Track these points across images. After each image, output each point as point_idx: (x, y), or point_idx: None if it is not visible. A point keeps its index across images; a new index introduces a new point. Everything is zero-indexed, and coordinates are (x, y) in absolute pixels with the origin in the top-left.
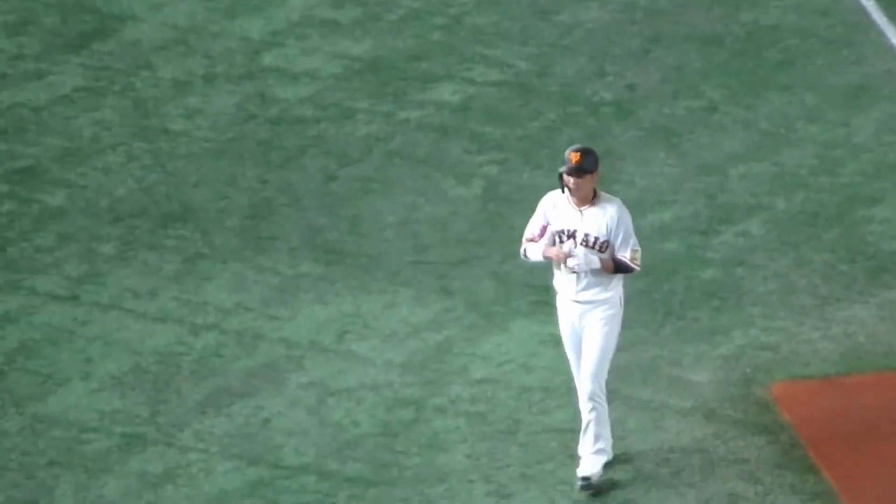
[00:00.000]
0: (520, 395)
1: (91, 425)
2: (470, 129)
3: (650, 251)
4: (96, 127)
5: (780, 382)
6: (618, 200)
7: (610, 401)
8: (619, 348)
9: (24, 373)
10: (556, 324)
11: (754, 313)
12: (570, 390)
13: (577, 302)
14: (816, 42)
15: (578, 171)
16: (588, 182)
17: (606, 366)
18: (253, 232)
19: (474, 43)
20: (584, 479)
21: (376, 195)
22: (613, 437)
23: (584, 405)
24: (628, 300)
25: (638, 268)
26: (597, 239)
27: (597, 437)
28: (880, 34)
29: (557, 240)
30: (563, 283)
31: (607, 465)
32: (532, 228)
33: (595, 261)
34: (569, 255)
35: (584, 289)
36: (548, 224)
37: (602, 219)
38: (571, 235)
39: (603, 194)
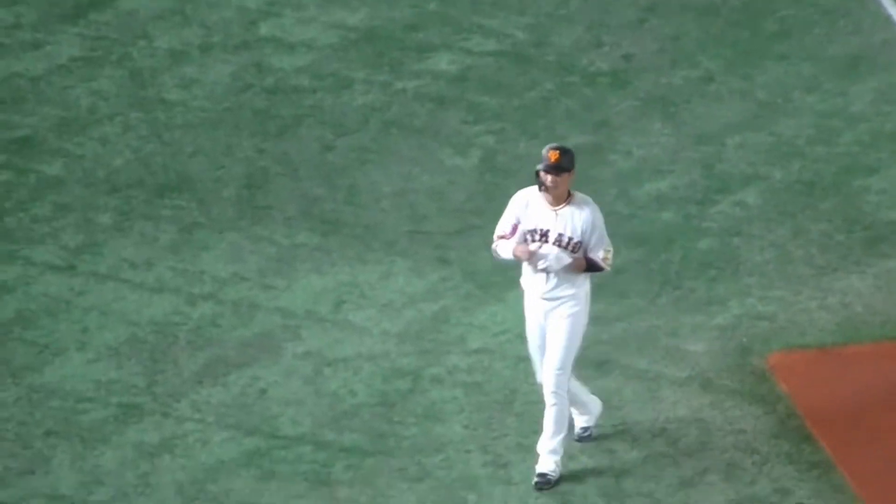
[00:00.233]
0: (516, 364)
1: (88, 395)
2: (467, 99)
3: (647, 221)
4: (93, 97)
5: (777, 352)
6: (591, 201)
7: (607, 370)
8: (616, 318)
9: (20, 343)
10: None
11: (751, 283)
12: None
13: (545, 299)
14: (814, 12)
15: (556, 169)
16: (565, 181)
17: (571, 361)
18: (249, 202)
19: (471, 13)
20: (541, 475)
21: (373, 165)
22: (610, 406)
23: (547, 399)
24: (624, 270)
25: (609, 268)
26: (570, 239)
27: (555, 434)
28: (878, 4)
29: (529, 238)
30: (532, 282)
31: (604, 441)
32: (504, 226)
33: (565, 259)
34: (536, 253)
35: (553, 287)
36: (519, 223)
37: (576, 219)
38: (544, 235)
39: (577, 194)
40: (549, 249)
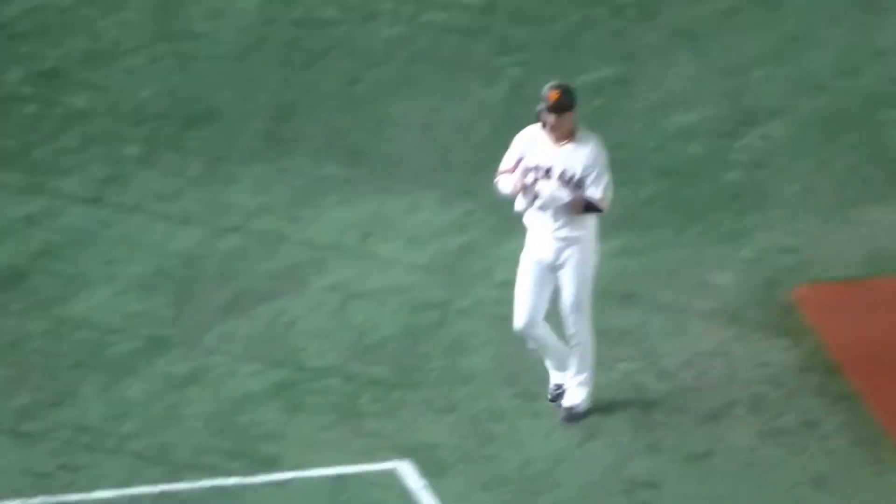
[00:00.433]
0: None
1: (115, 327)
2: (494, 31)
3: (673, 153)
4: (120, 28)
5: (804, 285)
6: (595, 137)
7: (633, 303)
8: (643, 251)
9: (48, 275)
10: None
11: (777, 216)
12: (595, 292)
13: (553, 238)
14: None
15: (558, 108)
16: (567, 119)
17: (587, 302)
18: (276, 133)
19: None
20: (567, 409)
21: (400, 97)
22: (636, 339)
23: (570, 342)
24: (650, 202)
25: (606, 208)
26: (573, 176)
27: (580, 370)
28: None
29: (533, 175)
30: (538, 220)
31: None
32: (507, 162)
33: (562, 198)
34: (530, 187)
35: (560, 226)
36: (522, 158)
37: (579, 155)
38: (547, 171)
39: (582, 130)
40: (550, 186)
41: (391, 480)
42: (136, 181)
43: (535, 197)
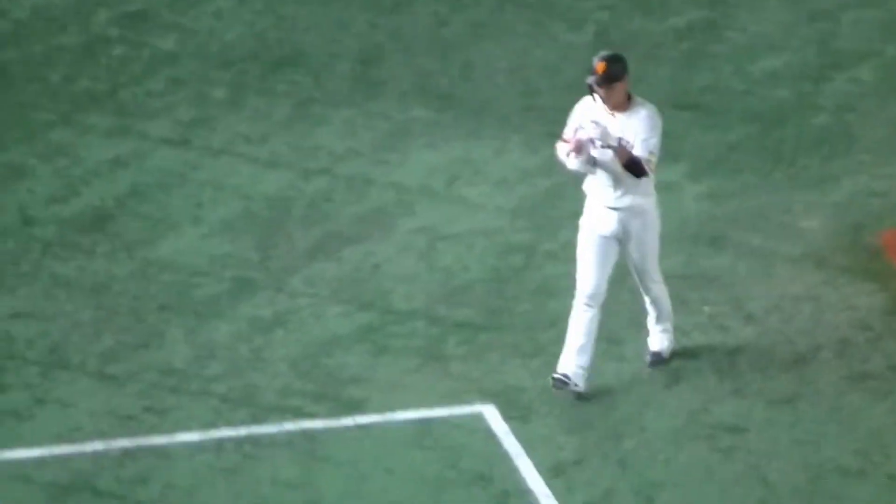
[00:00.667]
0: None
1: (202, 270)
2: None
3: (761, 97)
4: None
5: (891, 230)
6: (651, 106)
7: (721, 247)
8: (730, 195)
9: (134, 217)
10: (668, 170)
11: (865, 160)
12: (681, 236)
13: (615, 209)
14: None
15: (605, 80)
16: (617, 90)
17: (657, 266)
18: (363, 77)
19: None
20: (654, 353)
21: (487, 40)
22: (724, 283)
23: (649, 308)
24: (738, 146)
25: (650, 173)
26: (629, 143)
27: (661, 318)
28: None
29: (589, 144)
30: (598, 188)
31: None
32: (567, 130)
33: (607, 155)
34: (584, 144)
35: (621, 195)
36: (581, 127)
37: (632, 124)
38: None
39: (638, 100)
40: (603, 153)
41: (476, 424)
42: (223, 124)
43: (587, 153)
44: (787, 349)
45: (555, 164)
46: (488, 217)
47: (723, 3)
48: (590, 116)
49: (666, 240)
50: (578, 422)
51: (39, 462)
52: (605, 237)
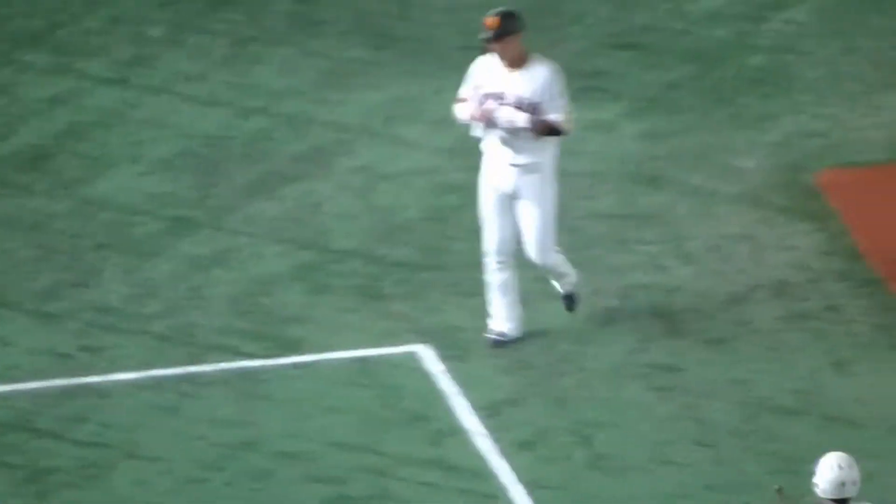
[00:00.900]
0: (568, 180)
1: (140, 208)
2: None
3: (700, 37)
4: None
5: (829, 169)
6: (549, 63)
7: (659, 186)
8: (670, 134)
9: (73, 155)
10: (606, 109)
11: (803, 100)
12: (620, 175)
13: (512, 165)
14: None
15: (499, 35)
16: (511, 45)
17: (551, 230)
18: (303, 15)
19: None
20: (566, 296)
21: None
22: (662, 222)
23: (542, 270)
24: (677, 85)
25: (570, 130)
26: (528, 101)
27: (561, 276)
28: None
29: (486, 101)
30: (495, 148)
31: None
32: (465, 89)
33: (520, 119)
34: (490, 113)
35: (516, 154)
36: (479, 86)
37: (532, 81)
38: (500, 97)
39: (535, 57)
40: (506, 111)
41: (413, 363)
42: (162, 62)
43: (493, 123)
44: (725, 289)
45: None
46: (427, 156)
47: None
48: (488, 76)
49: (604, 178)
50: (515, 361)
51: None
52: (506, 194)
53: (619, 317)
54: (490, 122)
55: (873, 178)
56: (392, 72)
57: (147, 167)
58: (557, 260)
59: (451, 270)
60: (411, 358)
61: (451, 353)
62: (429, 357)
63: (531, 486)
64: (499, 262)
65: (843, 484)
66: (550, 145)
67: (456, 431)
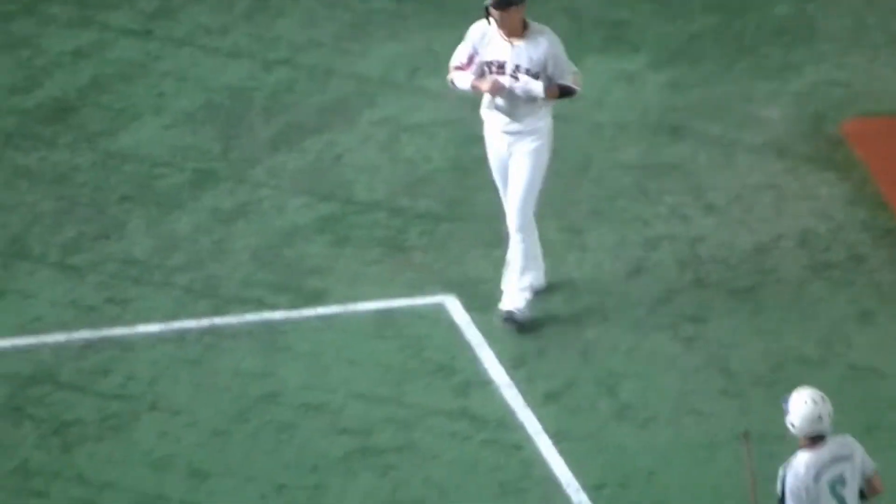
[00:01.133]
0: (592, 131)
1: (163, 160)
2: None
3: None
4: None
5: (852, 119)
6: (548, 30)
7: (682, 136)
8: (692, 84)
9: (96, 108)
10: (629, 60)
11: (827, 50)
12: (642, 126)
13: (506, 133)
14: None
15: (502, 4)
16: (514, 14)
17: (535, 197)
18: None
19: None
20: (507, 313)
21: None
22: (685, 172)
23: (513, 237)
24: (699, 36)
25: (580, 88)
26: (528, 70)
27: (523, 272)
28: None
29: (486, 70)
30: (493, 114)
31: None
32: (460, 56)
33: (537, 87)
34: (501, 86)
35: (514, 121)
36: (476, 54)
37: (532, 50)
38: (501, 66)
39: (533, 25)
40: (508, 81)
41: (438, 314)
42: (185, 14)
43: (502, 93)
44: (749, 239)
45: None
46: (450, 107)
47: None
48: (486, 45)
49: (627, 129)
50: (540, 311)
51: (0, 353)
52: (502, 162)
53: (644, 268)
54: (499, 94)
55: None
56: (415, 23)
57: (170, 120)
58: (533, 236)
59: (475, 221)
60: (435, 309)
61: (476, 304)
62: (453, 308)
63: (557, 436)
64: (513, 233)
65: (820, 418)
66: (547, 111)
67: (481, 382)
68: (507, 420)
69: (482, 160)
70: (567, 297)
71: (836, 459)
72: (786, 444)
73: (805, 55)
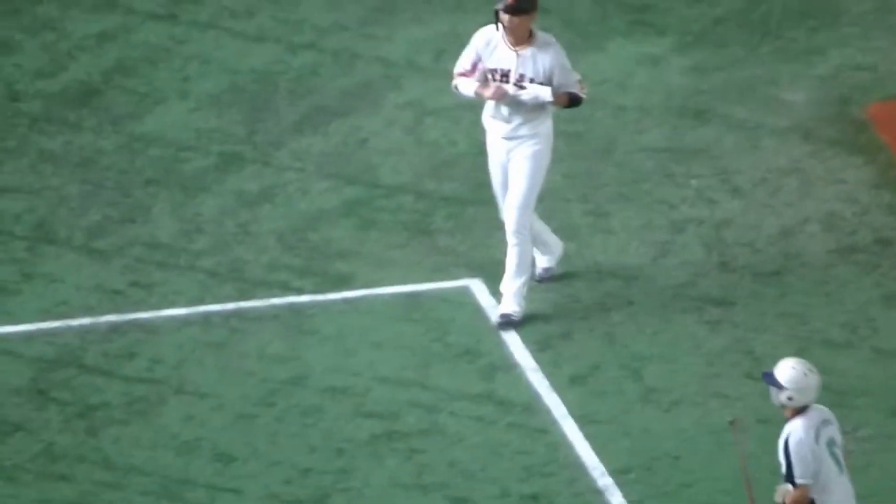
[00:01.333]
0: (616, 114)
1: (188, 144)
2: None
3: None
4: None
5: (878, 102)
6: (554, 41)
7: (707, 120)
8: (716, 68)
9: (121, 91)
10: (653, 43)
11: (851, 33)
12: (667, 110)
13: (506, 139)
14: None
15: (515, 10)
16: (525, 22)
17: (533, 201)
18: None
19: None
20: (504, 316)
21: None
22: (710, 156)
23: (510, 240)
24: (724, 19)
25: (586, 96)
26: (532, 80)
27: (518, 274)
28: None
29: (490, 78)
30: (495, 122)
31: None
32: (464, 63)
33: (545, 93)
34: (504, 92)
35: (515, 127)
36: (480, 61)
37: (538, 61)
38: (505, 75)
39: (539, 34)
40: (512, 90)
41: (463, 298)
42: None
43: (505, 100)
44: (774, 222)
45: None
46: None
47: None
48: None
49: (651, 113)
50: (565, 295)
51: (26, 337)
52: (503, 167)
53: (669, 251)
54: (503, 101)
55: None
56: (439, 7)
57: (195, 103)
58: (529, 236)
59: None
60: (461, 292)
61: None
62: (479, 291)
63: (582, 420)
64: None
65: (816, 387)
66: (548, 117)
67: (506, 366)
68: (533, 404)
69: None
70: (592, 280)
71: (825, 422)
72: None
73: (830, 38)
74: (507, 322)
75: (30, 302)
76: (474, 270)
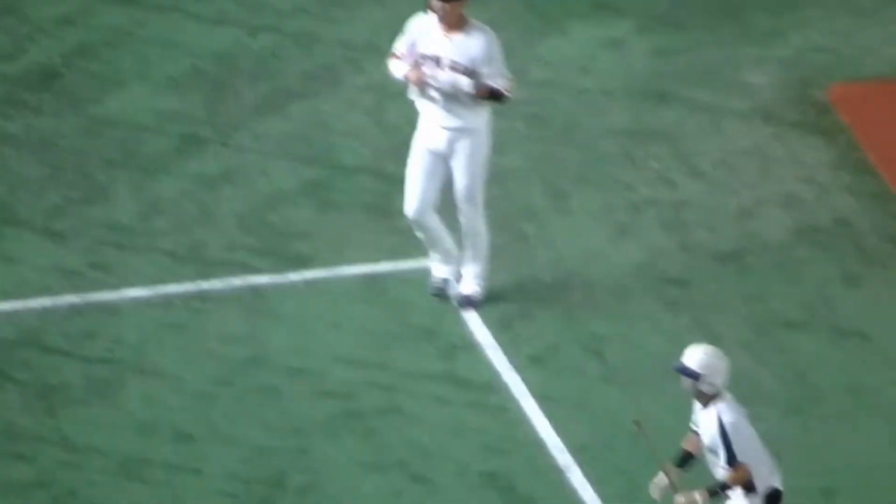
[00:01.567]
0: (578, 97)
1: (148, 126)
2: None
3: None
4: None
5: (839, 84)
6: (488, 30)
7: (668, 102)
8: (678, 50)
9: (82, 74)
10: (615, 26)
11: (813, 15)
12: (628, 92)
13: (445, 128)
14: None
15: None
16: (455, 8)
17: (481, 192)
18: None
19: None
20: (464, 297)
21: None
22: (672, 138)
23: (465, 227)
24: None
25: (510, 95)
26: (463, 67)
27: (477, 255)
28: None
29: (421, 62)
30: (429, 108)
31: None
32: (400, 46)
33: (464, 83)
34: (429, 77)
35: (452, 116)
36: (415, 45)
37: (469, 47)
38: (436, 60)
39: (473, 22)
40: (448, 74)
41: (422, 279)
42: None
43: (428, 86)
44: (734, 203)
45: (503, 20)
46: None
47: None
48: (425, 37)
49: (613, 95)
50: (526, 276)
51: None
52: (435, 154)
53: (629, 231)
54: (425, 86)
55: (884, 93)
56: None
57: (155, 85)
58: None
59: None
60: (421, 273)
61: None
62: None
63: (542, 398)
64: (416, 229)
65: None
66: (484, 108)
67: (466, 345)
68: (492, 383)
69: None
70: (552, 260)
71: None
72: (773, 407)
73: (791, 21)
74: (467, 302)
75: None
76: None
